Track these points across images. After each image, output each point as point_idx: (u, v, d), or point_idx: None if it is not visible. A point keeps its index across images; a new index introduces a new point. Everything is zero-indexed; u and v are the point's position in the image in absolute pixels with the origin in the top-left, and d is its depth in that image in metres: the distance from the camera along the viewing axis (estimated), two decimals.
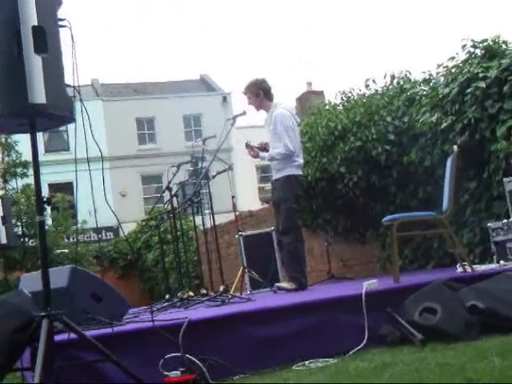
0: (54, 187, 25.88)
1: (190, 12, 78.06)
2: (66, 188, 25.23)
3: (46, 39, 3.54)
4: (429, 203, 6.97)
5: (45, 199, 3.79)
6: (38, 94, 3.44)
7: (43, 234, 3.79)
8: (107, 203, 4.15)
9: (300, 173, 6.74)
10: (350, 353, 4.22)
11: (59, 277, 4.63)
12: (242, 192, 29.40)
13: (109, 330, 4.13)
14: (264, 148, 6.86)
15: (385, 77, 8.39)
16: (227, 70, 68.75)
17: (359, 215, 8.67)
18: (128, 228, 21.61)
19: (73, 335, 3.82)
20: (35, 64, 3.46)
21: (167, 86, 40.95)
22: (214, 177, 7.29)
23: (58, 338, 3.80)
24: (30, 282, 5.01)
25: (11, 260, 14.67)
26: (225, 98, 38.67)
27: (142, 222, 21.60)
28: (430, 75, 7.73)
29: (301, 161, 6.75)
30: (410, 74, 8.27)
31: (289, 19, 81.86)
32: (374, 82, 8.52)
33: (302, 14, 77.83)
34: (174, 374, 3.86)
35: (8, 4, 3.52)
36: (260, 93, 6.72)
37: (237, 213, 10.38)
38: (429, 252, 7.64)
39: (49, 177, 27.13)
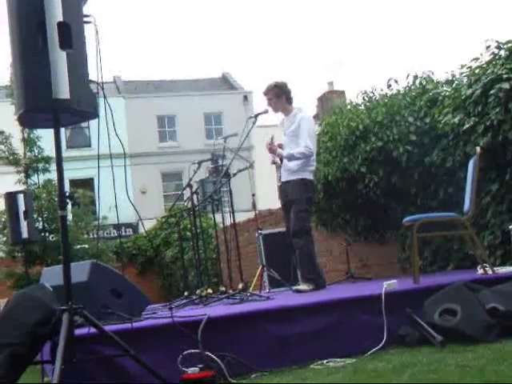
0: (75, 183, 26.03)
1: (212, 10, 78.17)
2: (87, 184, 25.40)
3: (71, 35, 3.57)
4: (450, 204, 6.93)
5: (67, 194, 3.82)
6: (63, 89, 3.47)
7: (65, 229, 3.81)
8: (129, 199, 4.19)
9: (312, 178, 6.81)
10: (369, 353, 4.21)
11: (80, 271, 4.66)
12: (261, 191, 29.36)
13: (128, 326, 4.15)
14: (280, 148, 6.88)
15: (407, 77, 8.34)
16: (248, 69, 68.84)
17: (379, 215, 8.64)
18: (147, 225, 21.70)
19: (93, 329, 3.85)
20: (60, 59, 3.49)
21: (188, 83, 41.06)
22: (234, 175, 7.29)
23: (78, 332, 3.83)
24: (51, 276, 5.05)
25: (32, 254, 14.79)
26: (246, 97, 38.68)
27: (162, 219, 21.68)
28: (453, 76, 7.68)
29: (315, 166, 6.83)
30: (433, 74, 8.23)
31: (311, 18, 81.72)
32: (396, 82, 8.48)
33: (323, 14, 77.68)
34: (193, 370, 3.87)
35: (33, 0, 3.55)
36: (282, 95, 6.77)
37: (256, 211, 10.40)
38: (449, 253, 7.60)
39: (70, 173, 27.28)
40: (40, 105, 3.57)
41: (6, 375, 3.63)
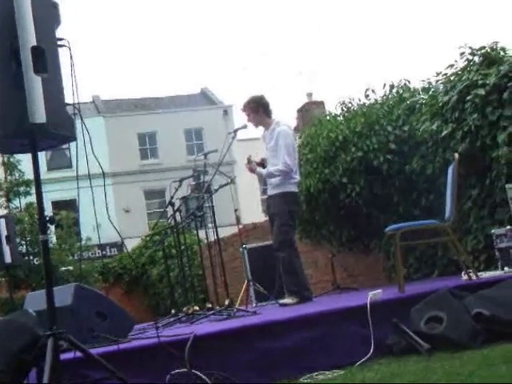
0: (57, 205, 25.93)
1: (189, 26, 78.34)
2: (70, 205, 25.29)
3: (46, 59, 3.56)
4: (432, 211, 6.97)
5: (48, 218, 3.80)
6: (39, 113, 3.45)
7: (47, 253, 3.79)
8: (109, 220, 4.17)
9: (296, 190, 6.82)
10: (357, 364, 4.21)
11: (64, 295, 4.64)
12: (244, 204, 29.40)
13: (114, 348, 4.13)
14: (262, 164, 6.90)
15: (384, 86, 8.40)
16: (227, 83, 68.97)
17: (363, 225, 8.66)
18: (132, 243, 21.60)
19: (78, 353, 3.82)
20: (35, 84, 3.47)
21: (168, 100, 41.10)
22: (216, 190, 7.29)
23: (63, 356, 3.80)
24: (35, 300, 5.02)
25: (16, 279, 14.69)
26: (226, 111, 38.77)
27: (146, 238, 21.62)
28: (430, 83, 7.74)
29: (298, 178, 6.80)
30: (409, 82, 8.29)
31: (288, 30, 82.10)
32: (373, 91, 8.53)
33: (301, 25, 78.03)
34: None
35: (6, 24, 3.54)
36: (259, 109, 6.77)
37: (240, 225, 10.40)
38: (433, 260, 7.63)
39: (52, 194, 27.18)
40: (16, 130, 3.55)
41: None
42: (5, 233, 9.94)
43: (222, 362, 4.13)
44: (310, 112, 22.56)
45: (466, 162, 6.19)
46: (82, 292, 4.84)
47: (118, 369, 3.80)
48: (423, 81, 7.89)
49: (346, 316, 4.59)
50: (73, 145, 3.83)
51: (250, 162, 6.83)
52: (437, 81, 7.30)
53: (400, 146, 7.59)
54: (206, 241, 7.80)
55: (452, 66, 6.89)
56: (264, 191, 37.13)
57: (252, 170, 6.83)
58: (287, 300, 6.48)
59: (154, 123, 36.91)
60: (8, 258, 9.90)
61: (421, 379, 3.31)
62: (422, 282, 7.05)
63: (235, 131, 6.98)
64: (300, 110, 26.08)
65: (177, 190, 7.59)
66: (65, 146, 30.63)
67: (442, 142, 6.75)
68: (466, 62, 6.70)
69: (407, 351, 4.19)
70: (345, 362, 4.25)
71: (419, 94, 7.88)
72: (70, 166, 32.68)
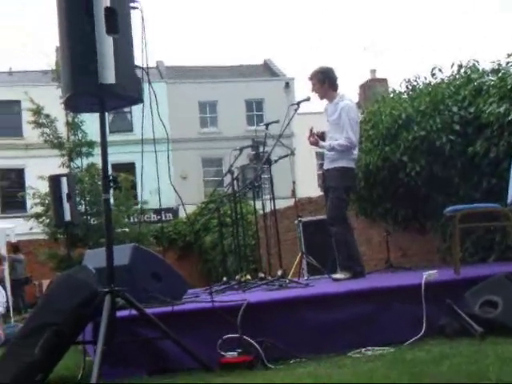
0: (116, 167, 26.26)
1: None
2: (128, 169, 25.59)
3: (118, 20, 3.60)
4: (492, 195, 6.84)
5: (111, 178, 3.88)
6: (109, 74, 3.51)
7: (109, 212, 3.87)
8: (172, 185, 4.22)
9: (354, 166, 6.77)
10: (408, 342, 4.20)
11: (122, 254, 4.72)
12: (301, 178, 29.32)
13: (168, 309, 4.20)
14: (321, 137, 6.86)
15: (452, 66, 8.23)
16: (291, 56, 68.51)
17: (420, 205, 8.56)
18: (188, 210, 21.78)
19: (134, 312, 3.91)
20: (106, 44, 3.53)
21: (230, 70, 41.06)
22: (276, 161, 7.28)
23: (119, 313, 3.89)
24: (93, 258, 5.12)
25: (74, 237, 14.97)
26: (287, 84, 38.53)
27: (202, 205, 21.77)
28: (499, 65, 7.55)
29: (357, 154, 6.78)
30: (478, 63, 8.09)
31: (354, 5, 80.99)
32: (440, 70, 8.37)
33: (370, 0, 76.88)
34: (231, 354, 3.92)
35: None
36: (326, 81, 6.71)
37: (296, 199, 10.39)
38: (490, 245, 7.51)
39: (112, 157, 27.46)
40: (86, 89, 3.62)
41: (50, 353, 3.71)
42: (65, 191, 10.15)
43: (273, 331, 4.17)
44: (372, 88, 22.32)
45: None
46: (139, 252, 4.92)
47: (171, 330, 3.88)
48: (493, 62, 7.70)
49: (399, 294, 4.58)
50: (135, 108, 3.89)
51: (312, 134, 6.80)
52: (507, 63, 7.13)
53: (464, 128, 7.45)
54: (261, 211, 7.83)
55: None
56: (321, 166, 36.94)
57: (314, 143, 6.80)
58: (340, 275, 6.47)
59: (215, 92, 36.95)
60: (68, 216, 10.11)
61: (472, 362, 3.29)
62: (478, 265, 6.96)
63: (298, 103, 6.94)
64: (362, 86, 25.83)
65: (236, 158, 7.61)
66: (127, 110, 31.08)
67: (508, 125, 6.60)
68: None
69: (459, 334, 4.16)
70: (395, 340, 4.25)
71: (488, 75, 7.70)
72: (130, 130, 33.07)
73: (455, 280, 4.87)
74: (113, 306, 3.72)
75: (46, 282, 18.54)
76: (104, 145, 3.83)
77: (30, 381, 3.83)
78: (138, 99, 3.83)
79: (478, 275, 4.71)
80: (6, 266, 14.60)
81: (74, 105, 4.07)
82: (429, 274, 4.59)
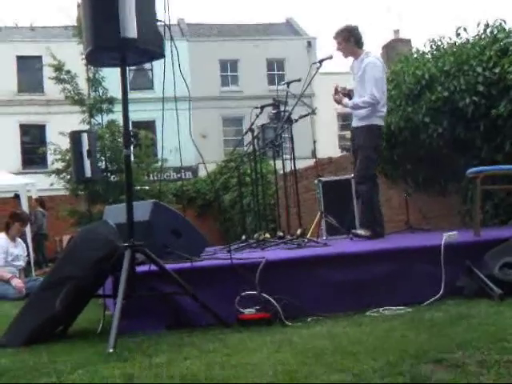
0: (136, 125, 26.29)
1: None
2: (148, 126, 25.59)
3: None
4: None
5: (132, 134, 3.88)
6: (130, 28, 3.48)
7: (129, 167, 3.88)
8: (193, 143, 4.21)
9: (382, 124, 6.73)
10: (426, 303, 4.21)
11: (142, 210, 4.74)
12: (321, 139, 29.17)
13: (187, 265, 4.23)
14: (348, 95, 6.81)
15: (478, 25, 8.08)
16: (313, 15, 67.63)
17: (441, 167, 8.50)
18: (208, 169, 21.78)
19: (153, 267, 3.93)
20: None
21: (252, 28, 40.71)
22: (296, 120, 7.24)
23: (139, 268, 3.92)
24: (113, 213, 5.15)
25: (94, 193, 15.04)
26: (309, 43, 38.18)
27: (222, 164, 21.76)
28: None
29: (384, 112, 6.70)
30: (505, 23, 7.93)
31: None
32: (465, 30, 8.22)
33: None
34: (249, 311, 3.94)
35: None
36: (351, 39, 6.64)
37: (316, 159, 10.36)
38: (511, 208, 7.46)
39: (132, 114, 27.38)
40: (108, 43, 3.59)
41: (70, 306, 3.76)
42: (86, 147, 10.19)
43: (291, 289, 4.19)
44: (395, 49, 22.03)
45: None
46: (159, 209, 4.94)
47: (190, 286, 3.91)
48: None
49: (418, 255, 4.58)
50: (156, 66, 3.87)
51: (337, 92, 6.75)
52: None
53: (488, 89, 7.33)
54: (281, 171, 7.82)
55: None
56: (342, 127, 36.79)
57: (338, 101, 6.75)
58: (360, 231, 6.49)
59: (236, 51, 36.71)
60: (88, 172, 10.17)
61: (490, 323, 3.29)
62: (498, 228, 6.92)
63: (321, 61, 6.86)
64: (385, 47, 25.49)
65: (257, 116, 7.57)
66: (147, 67, 30.95)
67: None
68: None
69: (478, 295, 4.16)
70: (414, 300, 4.26)
71: None
72: (151, 87, 33.00)
73: (475, 241, 4.85)
74: (132, 260, 3.74)
75: (66, 238, 18.71)
76: (125, 99, 3.82)
77: (50, 333, 3.89)
78: (160, 54, 3.81)
79: (498, 237, 4.69)
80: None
81: (95, 59, 4.04)
82: (448, 235, 4.57)
